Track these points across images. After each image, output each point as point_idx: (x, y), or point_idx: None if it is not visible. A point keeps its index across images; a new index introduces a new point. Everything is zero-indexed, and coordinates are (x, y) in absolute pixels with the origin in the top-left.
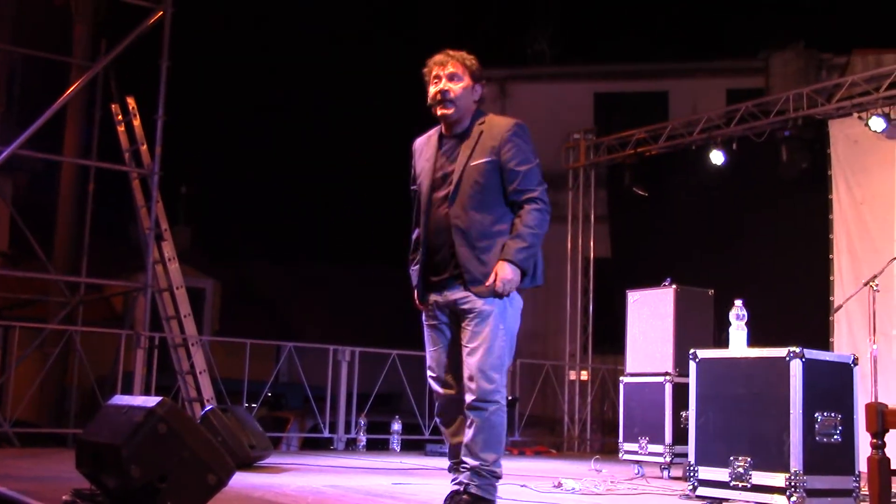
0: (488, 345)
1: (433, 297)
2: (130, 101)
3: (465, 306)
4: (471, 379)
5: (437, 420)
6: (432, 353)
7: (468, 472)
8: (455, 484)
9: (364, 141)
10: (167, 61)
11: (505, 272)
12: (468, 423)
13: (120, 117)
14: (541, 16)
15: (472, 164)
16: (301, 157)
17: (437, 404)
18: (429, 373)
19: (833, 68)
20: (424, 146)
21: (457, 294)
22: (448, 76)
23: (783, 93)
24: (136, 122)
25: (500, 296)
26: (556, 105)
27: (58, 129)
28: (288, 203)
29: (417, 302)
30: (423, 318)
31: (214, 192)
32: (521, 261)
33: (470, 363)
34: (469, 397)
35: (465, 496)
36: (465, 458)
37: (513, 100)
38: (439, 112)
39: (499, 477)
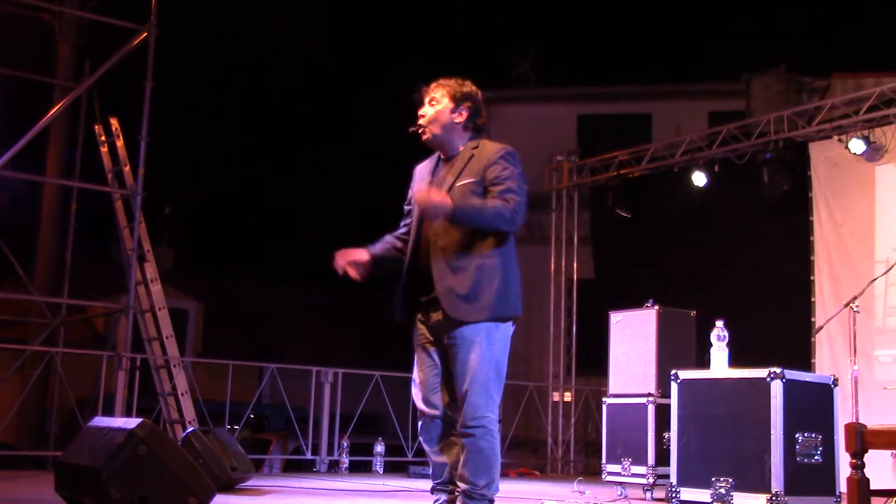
0: (473, 372)
1: (420, 318)
2: (114, 122)
3: (449, 332)
4: (458, 405)
5: (421, 439)
6: (419, 373)
7: (461, 496)
8: None
9: (349, 164)
10: (151, 82)
11: (439, 198)
12: (460, 448)
13: (103, 138)
14: (525, 38)
15: (458, 184)
16: (286, 180)
17: (419, 423)
18: (413, 390)
19: (813, 91)
20: (424, 170)
21: (440, 317)
22: (429, 101)
23: (764, 115)
24: (120, 143)
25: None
26: (539, 127)
27: (40, 150)
28: (272, 225)
29: (397, 319)
30: (414, 337)
31: (198, 213)
32: (459, 206)
33: (456, 390)
34: (458, 422)
35: None
36: (458, 483)
37: (496, 121)
38: (421, 138)
39: (491, 500)
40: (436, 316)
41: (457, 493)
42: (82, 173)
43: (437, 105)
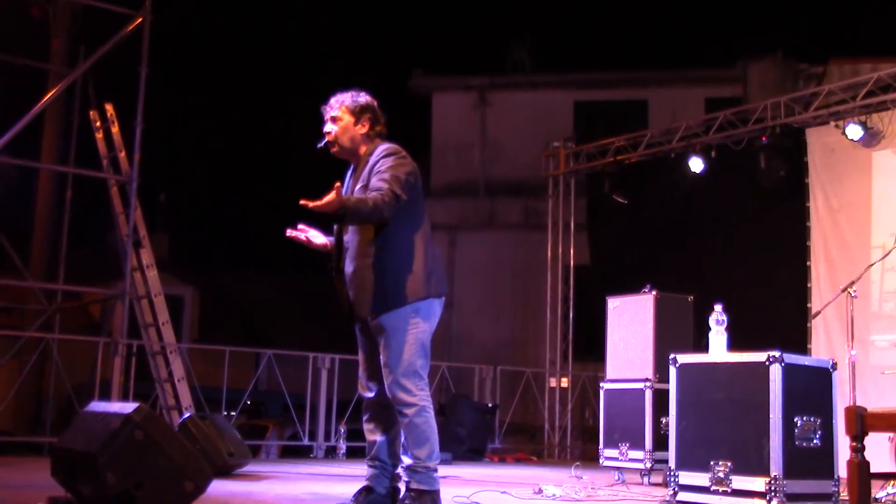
0: (398, 357)
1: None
2: (109, 108)
3: (371, 323)
4: (389, 390)
5: (362, 419)
6: (360, 358)
7: (406, 471)
8: (366, 480)
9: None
10: (146, 68)
11: (330, 200)
12: (396, 427)
13: (98, 124)
14: (520, 25)
15: (357, 187)
16: (281, 166)
17: (363, 405)
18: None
19: (810, 77)
20: (346, 179)
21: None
22: (331, 119)
23: (761, 101)
24: (115, 129)
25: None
26: (536, 113)
27: (35, 136)
28: (267, 212)
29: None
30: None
31: (193, 200)
32: (352, 203)
33: (385, 376)
34: (394, 405)
35: (410, 493)
36: (402, 458)
37: (493, 108)
38: (332, 151)
39: (435, 469)
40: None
41: (401, 468)
42: (77, 159)
43: (341, 122)
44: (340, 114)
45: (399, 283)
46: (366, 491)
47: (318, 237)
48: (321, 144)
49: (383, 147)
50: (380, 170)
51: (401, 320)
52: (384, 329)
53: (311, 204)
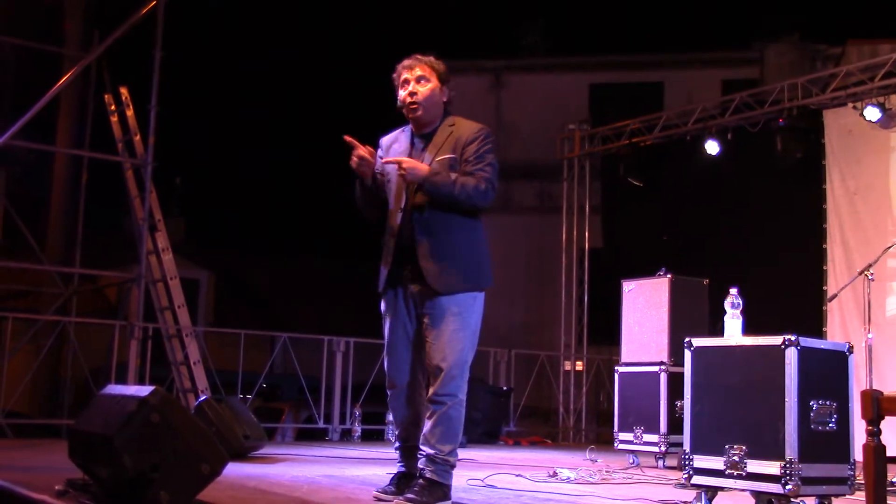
0: (451, 342)
1: (398, 287)
2: (123, 92)
3: (428, 303)
4: (433, 374)
5: (390, 407)
6: (390, 345)
7: (424, 459)
8: (403, 466)
9: (361, 134)
10: (160, 51)
11: (418, 165)
12: (427, 414)
13: (113, 107)
14: (534, 7)
15: (437, 158)
16: (297, 150)
17: (389, 393)
18: (387, 364)
19: (828, 59)
20: (393, 142)
21: (419, 288)
22: (416, 79)
23: (778, 83)
24: (130, 113)
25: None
26: (550, 96)
27: (51, 120)
28: (283, 195)
29: (380, 289)
30: (386, 307)
31: (209, 183)
32: (436, 175)
33: (432, 359)
34: (430, 390)
35: (421, 481)
36: (421, 446)
37: (507, 90)
38: (409, 115)
39: (453, 465)
40: (415, 287)
41: (419, 456)
42: (92, 143)
43: (428, 84)
44: (427, 74)
45: (481, 268)
46: (405, 476)
47: (370, 165)
48: (413, 105)
49: (480, 126)
50: (480, 154)
51: (466, 307)
52: (447, 310)
53: (399, 165)
